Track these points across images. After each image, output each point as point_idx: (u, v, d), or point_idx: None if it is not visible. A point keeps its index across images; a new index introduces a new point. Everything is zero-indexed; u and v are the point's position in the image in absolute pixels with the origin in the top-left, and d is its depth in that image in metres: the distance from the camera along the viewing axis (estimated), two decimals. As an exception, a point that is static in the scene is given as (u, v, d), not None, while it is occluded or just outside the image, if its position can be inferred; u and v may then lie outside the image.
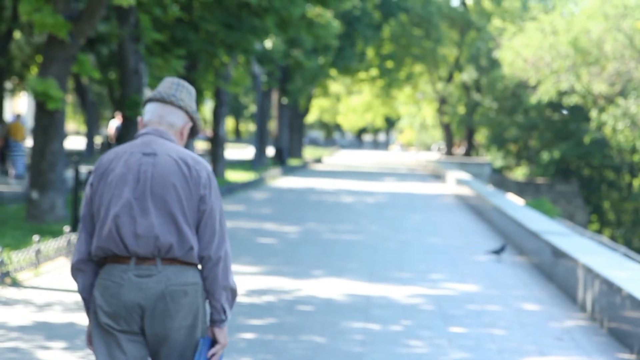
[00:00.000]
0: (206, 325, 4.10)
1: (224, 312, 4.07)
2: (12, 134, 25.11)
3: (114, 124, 23.88)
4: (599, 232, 47.64)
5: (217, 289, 4.05)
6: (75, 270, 4.11)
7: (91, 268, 4.09)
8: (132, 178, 4.01)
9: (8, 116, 48.85)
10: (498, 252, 14.52)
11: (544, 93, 44.70)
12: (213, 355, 4.05)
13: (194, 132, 4.27)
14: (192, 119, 4.22)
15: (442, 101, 65.85)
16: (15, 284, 10.57)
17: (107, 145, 50.77)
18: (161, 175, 4.01)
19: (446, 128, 67.23)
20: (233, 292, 4.09)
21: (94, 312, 4.03)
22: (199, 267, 4.08)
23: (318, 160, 57.53)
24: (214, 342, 4.08)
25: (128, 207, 3.98)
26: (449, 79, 64.96)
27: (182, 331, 3.99)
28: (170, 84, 4.19)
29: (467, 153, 64.06)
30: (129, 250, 3.97)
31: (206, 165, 4.10)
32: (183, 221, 3.99)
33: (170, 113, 4.16)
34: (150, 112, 4.18)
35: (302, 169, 46.63)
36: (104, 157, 4.10)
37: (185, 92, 4.20)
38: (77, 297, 9.87)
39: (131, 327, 3.97)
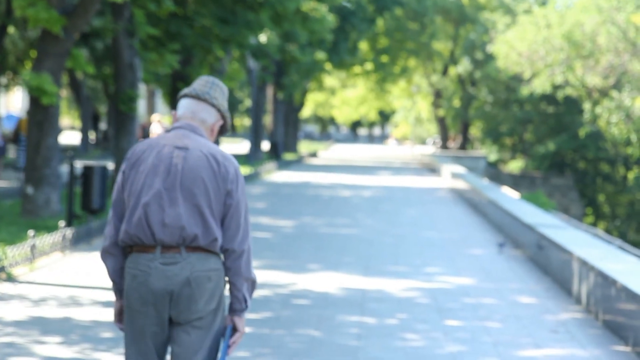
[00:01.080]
0: (225, 311, 4.30)
1: (245, 301, 4.29)
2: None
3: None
4: (594, 225, 47.70)
5: (239, 280, 4.26)
6: (106, 254, 4.31)
7: (121, 252, 4.30)
8: (164, 169, 4.22)
9: (2, 111, 48.74)
10: (502, 245, 14.80)
11: (539, 86, 44.71)
12: (234, 343, 4.28)
13: (223, 130, 4.45)
14: (223, 117, 4.42)
15: (437, 94, 65.86)
16: (10, 279, 10.56)
17: (102, 140, 50.66)
18: (191, 169, 4.21)
19: (441, 122, 67.23)
20: (253, 283, 4.31)
21: (127, 299, 4.23)
22: (221, 255, 4.29)
23: (313, 155, 57.51)
24: (234, 330, 4.29)
25: (158, 196, 4.18)
26: (444, 72, 64.95)
27: (204, 315, 4.20)
28: (205, 82, 4.39)
29: (462, 147, 64.08)
30: (155, 238, 4.17)
31: (234, 162, 4.30)
32: (209, 214, 4.19)
33: (203, 110, 4.36)
34: (184, 107, 4.38)
35: (298, 163, 46.62)
36: (137, 147, 4.31)
37: (219, 91, 4.41)
38: (72, 292, 9.88)
39: (158, 312, 4.17)
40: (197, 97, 4.37)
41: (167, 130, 4.39)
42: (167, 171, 4.21)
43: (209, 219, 4.19)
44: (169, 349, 4.30)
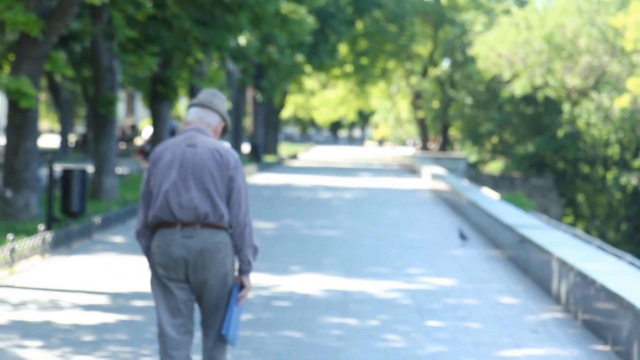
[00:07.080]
0: (234, 274, 5.37)
1: (249, 263, 5.37)
2: None
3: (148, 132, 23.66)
4: (574, 225, 47.90)
5: (244, 247, 5.35)
6: (139, 235, 5.43)
7: (149, 233, 5.40)
8: (178, 163, 5.31)
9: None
10: (463, 237, 14.98)
11: (519, 87, 44.88)
12: (242, 296, 5.34)
13: (225, 130, 5.55)
14: (224, 120, 5.51)
15: (417, 96, 65.96)
16: (-10, 283, 10.51)
17: (81, 144, 50.44)
18: (200, 161, 5.30)
19: (421, 123, 67.36)
20: (256, 249, 5.41)
21: (152, 266, 5.33)
22: (229, 231, 5.35)
23: (294, 157, 57.50)
24: (242, 287, 5.37)
25: (175, 185, 5.28)
26: (424, 73, 65.06)
27: (217, 279, 5.29)
28: (208, 93, 5.51)
29: (442, 148, 64.23)
30: (175, 217, 5.27)
31: (234, 154, 5.37)
32: (216, 195, 5.28)
33: (208, 115, 5.47)
34: (192, 114, 5.48)
35: (278, 166, 46.61)
36: (158, 148, 5.40)
37: (219, 99, 5.50)
38: (52, 296, 9.86)
39: (178, 275, 5.28)
40: (202, 105, 5.45)
41: (181, 133, 5.44)
42: (180, 164, 5.29)
43: (216, 199, 5.26)
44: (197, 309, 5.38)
